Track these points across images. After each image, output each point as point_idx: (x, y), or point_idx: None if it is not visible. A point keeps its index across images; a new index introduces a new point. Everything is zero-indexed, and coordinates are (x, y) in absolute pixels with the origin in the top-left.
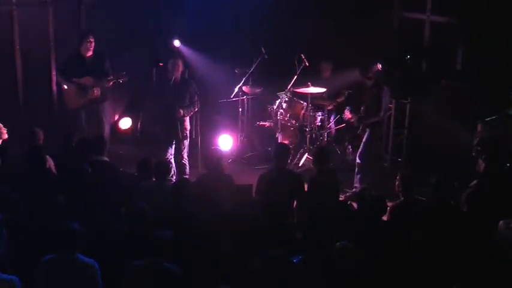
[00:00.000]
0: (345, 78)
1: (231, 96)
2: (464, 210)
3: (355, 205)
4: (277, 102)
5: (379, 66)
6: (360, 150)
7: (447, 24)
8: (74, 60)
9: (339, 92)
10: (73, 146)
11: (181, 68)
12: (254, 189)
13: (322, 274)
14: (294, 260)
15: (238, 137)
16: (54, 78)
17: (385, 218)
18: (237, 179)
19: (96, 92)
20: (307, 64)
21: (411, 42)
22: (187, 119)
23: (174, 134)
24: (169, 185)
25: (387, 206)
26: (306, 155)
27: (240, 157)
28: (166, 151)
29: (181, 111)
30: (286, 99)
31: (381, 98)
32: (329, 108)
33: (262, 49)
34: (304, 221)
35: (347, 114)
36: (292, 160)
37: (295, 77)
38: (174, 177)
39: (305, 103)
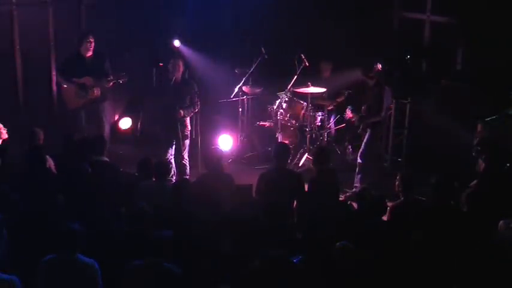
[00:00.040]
0: (344, 78)
1: (231, 96)
2: (464, 210)
3: (355, 205)
4: (277, 102)
5: (379, 66)
6: (361, 150)
7: (447, 24)
8: (73, 60)
9: (339, 92)
10: (73, 146)
11: (181, 69)
12: (254, 189)
13: (322, 274)
14: (294, 260)
15: (238, 137)
16: (54, 78)
17: (385, 218)
18: (237, 179)
19: (96, 92)
20: (307, 64)
21: (411, 42)
22: (187, 119)
23: (174, 134)
24: (169, 185)
25: (387, 206)
26: (306, 155)
27: (240, 157)
28: (166, 151)
29: (182, 112)
30: (286, 99)
31: (382, 97)
32: (329, 108)
33: (262, 49)
34: (304, 221)
35: (348, 113)
36: (292, 160)
37: (295, 77)
38: (174, 178)
39: (305, 103)
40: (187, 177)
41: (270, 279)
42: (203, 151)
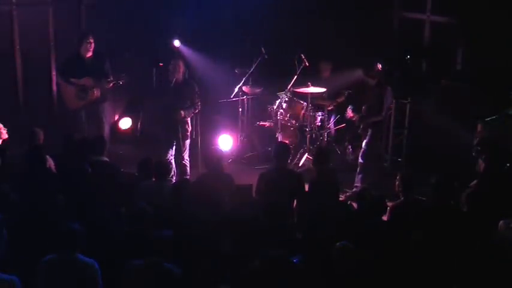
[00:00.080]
0: (344, 78)
1: (231, 96)
2: (464, 210)
3: (355, 205)
4: (277, 102)
5: (379, 66)
6: (362, 150)
7: (447, 24)
8: (73, 60)
9: (339, 92)
10: (73, 146)
11: (182, 69)
12: (254, 189)
13: (322, 274)
14: (294, 260)
15: (238, 137)
16: (54, 78)
17: (385, 218)
18: (237, 179)
19: (96, 93)
20: (307, 64)
21: (411, 42)
22: (188, 119)
23: (175, 135)
24: (170, 185)
25: (387, 206)
26: (306, 155)
27: (240, 157)
28: (166, 152)
29: (182, 113)
30: (286, 99)
31: (383, 97)
32: (329, 108)
33: (262, 49)
34: (304, 221)
35: (349, 112)
36: (292, 160)
37: (295, 77)
38: (174, 178)
39: (305, 103)
40: (188, 177)
41: (270, 279)
42: (203, 151)
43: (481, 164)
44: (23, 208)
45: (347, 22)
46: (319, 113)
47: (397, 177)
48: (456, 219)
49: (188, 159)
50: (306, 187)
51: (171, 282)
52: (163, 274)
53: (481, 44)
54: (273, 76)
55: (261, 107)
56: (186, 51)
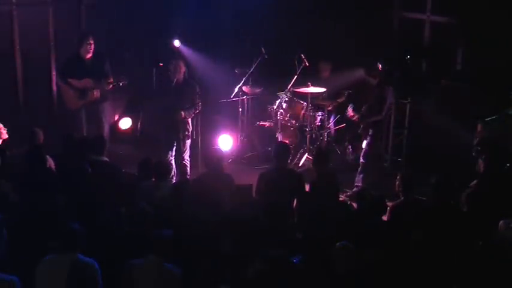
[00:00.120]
0: (344, 78)
1: (231, 96)
2: (464, 210)
3: (355, 205)
4: (277, 102)
5: (379, 66)
6: (364, 150)
7: (447, 24)
8: (73, 61)
9: (339, 92)
10: (73, 146)
11: (183, 70)
12: (254, 189)
13: (322, 274)
14: (294, 260)
15: (238, 137)
16: (54, 78)
17: (385, 218)
18: (237, 179)
19: (96, 94)
20: (307, 64)
21: (411, 42)
22: (189, 120)
23: (175, 135)
24: (170, 185)
25: (387, 206)
26: (306, 155)
27: (240, 157)
28: (167, 152)
29: (183, 113)
30: (286, 99)
31: (384, 97)
32: (329, 108)
33: (262, 49)
34: (304, 221)
35: (349, 111)
36: (292, 160)
37: (295, 77)
38: (174, 178)
39: (305, 103)
40: (188, 177)
41: (270, 279)
42: (203, 151)
43: (481, 164)
44: (23, 208)
45: (347, 22)
46: (319, 113)
47: (397, 177)
48: (456, 219)
49: (189, 159)
50: (306, 187)
51: (170, 282)
52: (163, 274)
53: (481, 44)
54: (273, 76)
55: (261, 107)
56: (186, 51)
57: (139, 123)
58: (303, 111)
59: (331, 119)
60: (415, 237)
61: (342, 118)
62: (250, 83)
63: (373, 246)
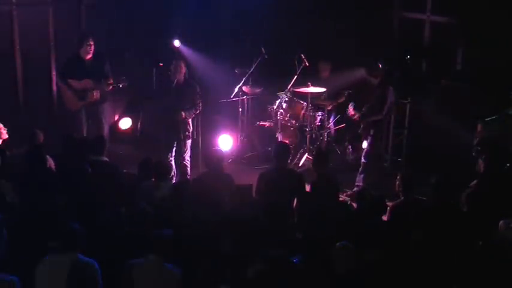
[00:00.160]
0: (344, 78)
1: (231, 96)
2: (464, 210)
3: (355, 205)
4: (277, 102)
5: (379, 66)
6: (365, 150)
7: (447, 24)
8: (73, 62)
9: (339, 92)
10: (73, 146)
11: (183, 70)
12: (254, 189)
13: (322, 274)
14: (294, 260)
15: (238, 137)
16: (54, 78)
17: (385, 218)
18: (237, 179)
19: (96, 94)
20: (307, 64)
21: (411, 42)
22: (189, 120)
23: (176, 136)
24: (170, 185)
25: (387, 206)
26: (306, 155)
27: (240, 157)
28: (167, 153)
29: (183, 114)
30: (286, 99)
31: (385, 97)
32: (329, 108)
33: (262, 49)
34: (304, 221)
35: (350, 110)
36: (292, 160)
37: (295, 77)
38: (174, 179)
39: (305, 103)
40: (188, 177)
41: (270, 279)
42: (204, 151)
43: (481, 164)
44: (23, 208)
45: (347, 22)
46: (319, 113)
47: (397, 177)
48: (456, 219)
49: (189, 159)
50: (306, 187)
51: (171, 282)
52: (163, 274)
53: (481, 44)
54: (273, 76)
55: (261, 107)
56: (186, 51)
57: (139, 124)
58: (303, 111)
59: (331, 119)
60: (415, 237)
61: (342, 118)
62: (250, 83)
63: (373, 246)
